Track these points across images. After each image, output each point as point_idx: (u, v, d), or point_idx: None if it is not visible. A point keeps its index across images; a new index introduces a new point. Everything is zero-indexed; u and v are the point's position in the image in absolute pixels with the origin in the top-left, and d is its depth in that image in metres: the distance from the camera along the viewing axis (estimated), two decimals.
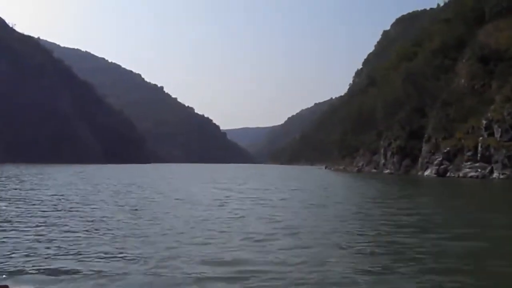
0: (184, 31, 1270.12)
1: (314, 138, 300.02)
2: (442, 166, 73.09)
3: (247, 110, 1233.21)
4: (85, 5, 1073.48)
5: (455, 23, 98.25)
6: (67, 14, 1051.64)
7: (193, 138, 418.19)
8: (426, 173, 76.73)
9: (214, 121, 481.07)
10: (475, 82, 79.15)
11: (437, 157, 75.63)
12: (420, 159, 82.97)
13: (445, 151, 73.85)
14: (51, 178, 52.21)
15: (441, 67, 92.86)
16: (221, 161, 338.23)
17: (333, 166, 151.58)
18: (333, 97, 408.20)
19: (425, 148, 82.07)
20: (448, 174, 71.31)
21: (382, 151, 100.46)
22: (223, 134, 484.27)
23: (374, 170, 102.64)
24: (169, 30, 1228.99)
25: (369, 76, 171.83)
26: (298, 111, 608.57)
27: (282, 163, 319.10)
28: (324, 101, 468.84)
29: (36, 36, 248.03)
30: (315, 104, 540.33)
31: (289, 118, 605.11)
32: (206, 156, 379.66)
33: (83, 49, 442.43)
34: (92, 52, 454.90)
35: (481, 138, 68.07)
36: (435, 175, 73.03)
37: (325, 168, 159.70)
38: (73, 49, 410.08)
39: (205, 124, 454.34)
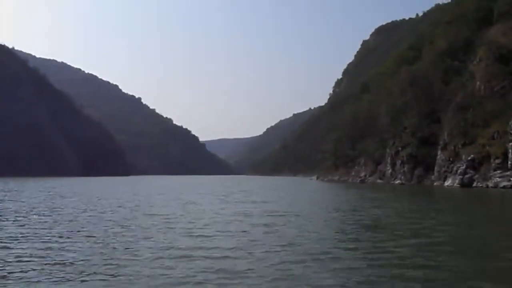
0: (161, 42, 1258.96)
1: (296, 148, 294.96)
2: (467, 176, 66.62)
3: (226, 121, 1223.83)
4: (60, 17, 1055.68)
5: (459, 25, 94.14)
6: (42, 25, 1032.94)
7: (172, 150, 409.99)
8: (447, 183, 70.18)
9: (192, 132, 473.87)
10: (494, 83, 73.51)
11: (459, 165, 69.13)
12: (436, 168, 76.52)
13: (469, 158, 67.48)
14: (13, 199, 38.96)
15: (450, 69, 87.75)
16: (201, 173, 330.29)
17: (326, 176, 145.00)
18: (312, 107, 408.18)
19: (441, 156, 75.68)
20: (474, 184, 64.99)
21: (388, 160, 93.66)
22: (202, 145, 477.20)
23: (379, 181, 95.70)
24: (146, 41, 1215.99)
25: (362, 83, 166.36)
26: (277, 121, 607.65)
27: (263, 174, 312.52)
28: (304, 112, 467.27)
29: (10, 46, 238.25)
30: (294, 114, 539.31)
31: (268, 129, 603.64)
32: (185, 168, 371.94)
33: (59, 60, 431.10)
34: (68, 63, 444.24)
35: (510, 143, 62.10)
36: (458, 186, 66.60)
37: (317, 178, 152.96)
38: (49, 59, 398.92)
39: (183, 135, 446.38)
